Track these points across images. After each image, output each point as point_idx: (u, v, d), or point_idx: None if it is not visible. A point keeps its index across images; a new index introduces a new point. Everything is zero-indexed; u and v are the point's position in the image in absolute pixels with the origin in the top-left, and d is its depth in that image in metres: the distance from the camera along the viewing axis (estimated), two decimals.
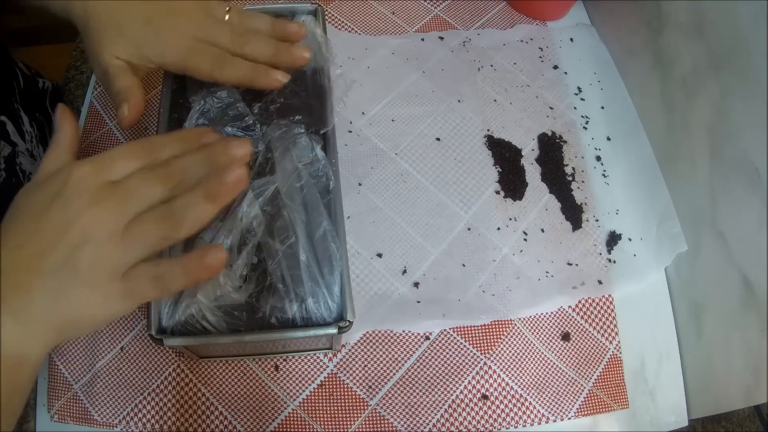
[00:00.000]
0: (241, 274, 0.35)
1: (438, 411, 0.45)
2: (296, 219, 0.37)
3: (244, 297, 0.35)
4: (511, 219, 0.52)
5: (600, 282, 0.50)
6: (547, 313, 0.49)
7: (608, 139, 0.58)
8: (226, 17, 0.41)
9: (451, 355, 0.47)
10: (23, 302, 0.29)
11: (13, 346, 0.28)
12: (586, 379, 0.47)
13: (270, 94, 0.42)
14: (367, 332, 0.47)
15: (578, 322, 0.49)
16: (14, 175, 0.44)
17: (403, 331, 0.47)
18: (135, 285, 0.30)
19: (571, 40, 0.64)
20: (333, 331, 0.35)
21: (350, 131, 0.56)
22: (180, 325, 0.35)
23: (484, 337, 0.48)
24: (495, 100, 0.59)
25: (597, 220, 0.53)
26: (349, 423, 0.44)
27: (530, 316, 0.49)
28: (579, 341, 0.48)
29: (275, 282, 0.36)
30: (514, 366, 0.47)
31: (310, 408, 0.44)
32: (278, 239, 0.36)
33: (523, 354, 0.47)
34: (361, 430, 0.44)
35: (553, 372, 0.47)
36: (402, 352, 0.47)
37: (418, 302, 0.48)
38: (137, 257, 0.30)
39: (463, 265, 0.50)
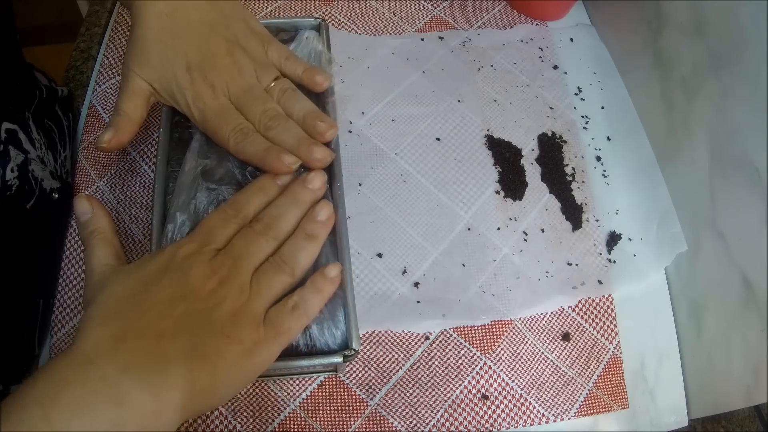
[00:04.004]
0: None
1: (438, 411, 0.45)
2: None
3: None
4: (511, 219, 0.52)
5: (600, 282, 0.50)
6: (547, 313, 0.49)
7: (608, 139, 0.58)
8: (272, 84, 0.41)
9: (451, 355, 0.47)
10: (159, 371, 0.28)
11: (147, 422, 0.28)
12: (586, 379, 0.47)
13: None
14: (367, 332, 0.47)
15: (578, 322, 0.49)
16: (27, 183, 0.43)
17: (403, 331, 0.47)
18: (278, 324, 0.33)
19: (571, 40, 0.64)
20: (338, 359, 0.35)
21: (350, 131, 0.56)
22: None
23: (484, 337, 0.48)
24: (495, 100, 0.59)
25: (597, 220, 0.53)
26: (349, 423, 0.44)
27: (530, 316, 0.49)
28: (579, 341, 0.49)
29: None
30: (514, 366, 0.47)
31: (310, 408, 0.44)
32: None
33: (523, 354, 0.47)
34: (361, 430, 0.44)
35: (553, 372, 0.47)
36: (402, 352, 0.47)
37: (418, 302, 0.48)
38: (267, 306, 0.34)
39: (463, 265, 0.50)
